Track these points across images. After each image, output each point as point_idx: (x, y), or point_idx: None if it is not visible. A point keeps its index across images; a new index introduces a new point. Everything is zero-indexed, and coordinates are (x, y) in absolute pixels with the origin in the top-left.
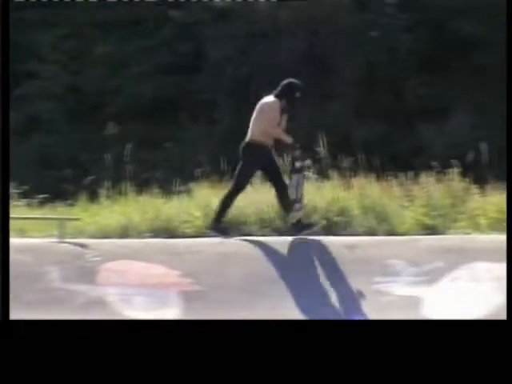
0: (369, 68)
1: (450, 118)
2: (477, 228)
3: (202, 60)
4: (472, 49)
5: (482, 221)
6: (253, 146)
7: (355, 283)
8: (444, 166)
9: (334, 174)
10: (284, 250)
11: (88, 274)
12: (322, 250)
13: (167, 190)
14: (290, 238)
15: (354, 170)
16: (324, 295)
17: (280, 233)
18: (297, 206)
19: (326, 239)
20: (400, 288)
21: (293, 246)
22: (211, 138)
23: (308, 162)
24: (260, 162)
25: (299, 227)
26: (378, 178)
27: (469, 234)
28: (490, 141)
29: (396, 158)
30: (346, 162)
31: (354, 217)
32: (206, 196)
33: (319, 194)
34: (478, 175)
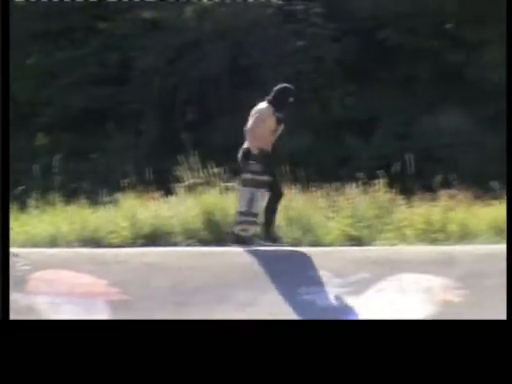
0: (295, 78)
1: (376, 128)
2: (403, 239)
3: (131, 71)
4: (399, 58)
5: (409, 232)
6: (251, 152)
7: (280, 294)
8: (370, 177)
9: None
10: (209, 261)
11: (18, 283)
12: (247, 260)
13: (95, 200)
14: (214, 249)
15: None
16: (250, 305)
17: (205, 243)
18: (241, 218)
19: (252, 250)
20: (326, 299)
21: (218, 257)
22: (138, 148)
23: (266, 177)
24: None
25: (239, 240)
26: (304, 189)
27: (395, 245)
28: (417, 151)
29: (322, 169)
30: None
31: (280, 228)
32: (132, 206)
33: None
34: (404, 186)
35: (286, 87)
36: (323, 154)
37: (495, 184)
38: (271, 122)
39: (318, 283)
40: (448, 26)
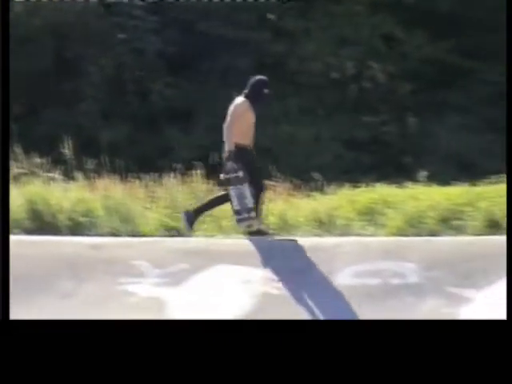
0: (116, 70)
1: (195, 119)
2: (222, 230)
3: None
4: (220, 50)
5: (227, 223)
6: (234, 148)
7: (101, 284)
8: (188, 168)
9: (79, 175)
10: (33, 250)
11: None
12: (70, 250)
13: None
14: (38, 238)
15: (99, 172)
16: (70, 295)
17: (29, 232)
18: (239, 216)
19: (73, 239)
20: (145, 289)
21: (41, 246)
22: None
23: (240, 173)
24: (245, 161)
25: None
26: (123, 179)
27: (213, 236)
28: None
29: (141, 160)
30: (91, 164)
31: (99, 217)
32: None
33: (65, 195)
34: None
35: (259, 79)
36: (143, 144)
37: (315, 175)
38: (250, 116)
39: (137, 273)
40: (269, 16)
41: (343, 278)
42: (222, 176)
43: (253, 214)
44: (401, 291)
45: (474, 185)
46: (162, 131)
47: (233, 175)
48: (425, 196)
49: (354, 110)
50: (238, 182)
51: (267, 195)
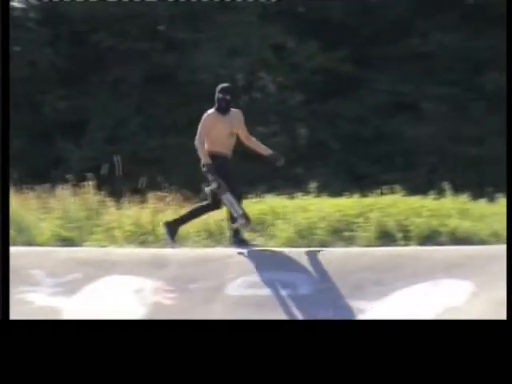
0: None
1: (86, 131)
2: (113, 241)
3: None
4: (111, 61)
5: (118, 233)
6: (209, 160)
7: None
8: (80, 179)
9: None
10: None
11: None
12: None
13: None
14: None
15: None
16: None
17: None
18: (238, 223)
19: None
20: (41, 298)
21: None
22: None
23: (214, 184)
24: (222, 170)
25: (237, 240)
26: (16, 190)
27: (105, 246)
28: (126, 154)
29: (35, 171)
30: None
31: None
32: None
33: None
34: (113, 188)
35: (220, 87)
36: (35, 156)
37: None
38: (220, 125)
39: (34, 282)
40: (160, 27)
41: (234, 289)
42: (206, 189)
43: (242, 220)
44: (292, 302)
45: (366, 196)
46: (54, 143)
47: (213, 186)
48: (315, 207)
49: (244, 120)
50: (220, 191)
51: (158, 206)
